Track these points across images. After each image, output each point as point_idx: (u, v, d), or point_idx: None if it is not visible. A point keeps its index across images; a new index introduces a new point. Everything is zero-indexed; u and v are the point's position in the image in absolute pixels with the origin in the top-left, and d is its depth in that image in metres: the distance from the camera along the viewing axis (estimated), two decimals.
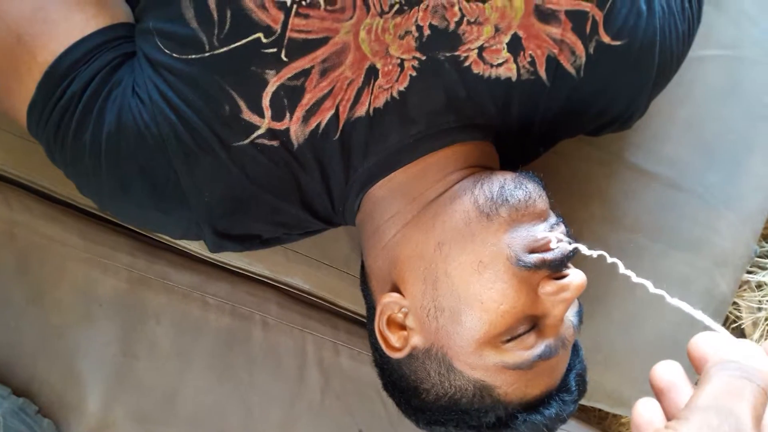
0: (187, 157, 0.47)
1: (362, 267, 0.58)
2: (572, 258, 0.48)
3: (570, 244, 0.48)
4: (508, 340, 0.46)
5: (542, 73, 0.50)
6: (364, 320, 0.70)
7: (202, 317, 0.67)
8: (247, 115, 0.46)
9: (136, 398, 0.66)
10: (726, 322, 0.87)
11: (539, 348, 0.46)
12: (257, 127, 0.47)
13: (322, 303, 0.71)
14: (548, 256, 0.46)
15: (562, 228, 0.48)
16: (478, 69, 0.48)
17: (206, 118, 0.46)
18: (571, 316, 0.50)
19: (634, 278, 0.40)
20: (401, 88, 0.47)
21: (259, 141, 0.47)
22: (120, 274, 0.65)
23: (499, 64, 0.48)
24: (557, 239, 0.46)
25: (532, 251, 0.46)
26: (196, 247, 0.68)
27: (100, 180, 0.49)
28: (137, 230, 0.68)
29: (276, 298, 0.69)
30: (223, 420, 0.67)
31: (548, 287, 0.46)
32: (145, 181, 0.48)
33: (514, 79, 0.49)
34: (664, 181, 0.71)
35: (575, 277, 0.46)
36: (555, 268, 0.46)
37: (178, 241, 0.68)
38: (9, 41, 0.47)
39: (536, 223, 0.47)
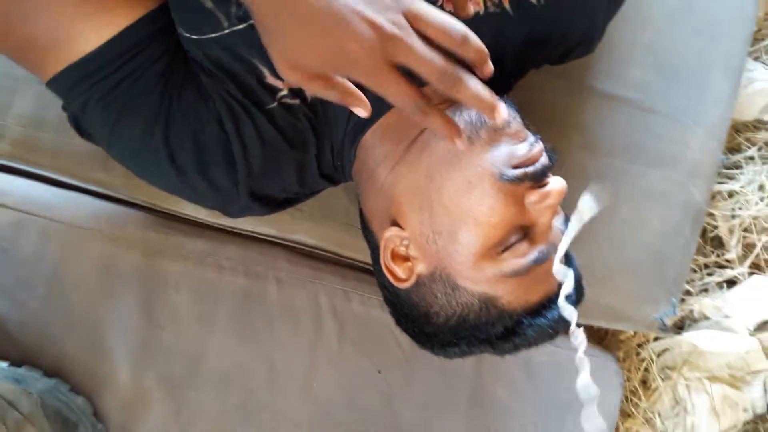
0: (236, 120, 0.52)
1: (360, 215, 0.62)
2: (552, 168, 0.52)
3: (549, 157, 0.52)
4: (503, 251, 0.50)
5: (506, 4, 0.54)
6: (370, 267, 0.74)
7: (218, 280, 0.70)
8: (271, 79, 0.51)
9: (164, 365, 0.69)
10: (704, 234, 0.92)
11: (533, 254, 0.50)
12: (280, 90, 0.52)
13: (328, 255, 0.75)
14: (530, 168, 0.49)
15: (540, 145, 0.52)
16: (449, 6, 0.52)
17: (242, 87, 0.51)
18: (558, 224, 0.54)
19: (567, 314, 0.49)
20: None
21: (285, 101, 0.52)
22: (136, 248, 0.68)
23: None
24: (540, 150, 0.50)
25: (515, 167, 0.49)
26: (205, 215, 0.71)
27: (145, 143, 0.52)
28: (147, 204, 0.71)
29: (285, 256, 0.73)
30: (249, 377, 0.70)
31: (533, 196, 0.50)
32: (195, 142, 0.52)
33: (481, 12, 0.53)
34: (632, 103, 0.76)
35: (555, 183, 0.50)
36: (537, 179, 0.50)
37: (187, 211, 0.71)
38: None
39: (516, 143, 0.51)
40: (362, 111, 0.42)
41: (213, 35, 0.49)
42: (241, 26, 0.49)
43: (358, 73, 0.38)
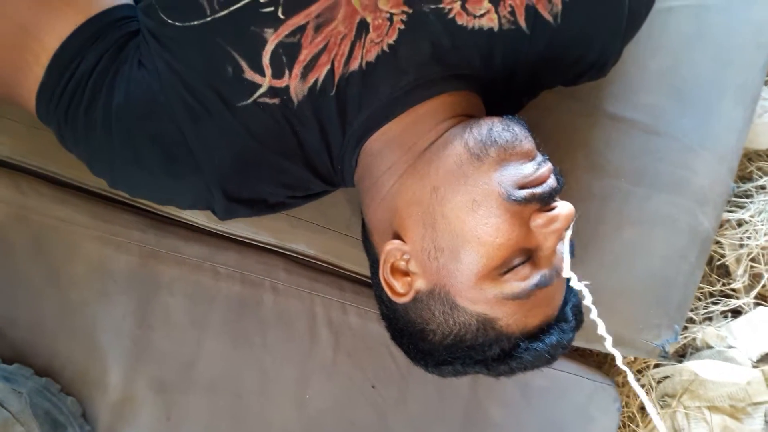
0: (195, 121, 0.50)
1: (363, 225, 0.61)
2: (560, 191, 0.51)
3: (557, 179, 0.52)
4: (505, 272, 0.49)
5: (522, 22, 0.53)
6: (368, 280, 0.73)
7: (213, 286, 0.69)
8: (249, 74, 0.49)
9: (155, 369, 0.68)
10: (711, 262, 0.91)
11: (535, 278, 0.49)
12: (259, 86, 0.50)
13: (327, 267, 0.74)
14: (537, 190, 0.49)
15: (549, 165, 0.51)
16: (461, 20, 0.51)
17: (210, 81, 0.49)
18: (563, 249, 0.53)
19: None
20: (390, 42, 0.51)
21: (262, 100, 0.50)
22: (132, 250, 0.67)
23: (481, 15, 0.51)
24: (549, 169, 0.50)
25: (522, 187, 0.49)
26: (204, 220, 0.71)
27: (111, 153, 0.52)
28: (146, 207, 0.70)
29: (283, 264, 0.72)
30: (240, 384, 0.70)
31: (539, 219, 0.49)
32: (156, 147, 0.51)
33: (495, 29, 0.52)
34: (642, 127, 0.75)
35: (563, 208, 0.49)
36: (544, 201, 0.49)
37: (185, 215, 0.70)
38: (13, 32, 0.50)
39: (524, 162, 0.50)
40: None
41: (196, 22, 0.48)
42: (222, 13, 0.47)
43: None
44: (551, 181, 0.50)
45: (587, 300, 0.49)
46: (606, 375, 0.80)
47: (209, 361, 0.69)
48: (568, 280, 0.57)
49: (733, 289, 0.90)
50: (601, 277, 0.75)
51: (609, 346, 0.47)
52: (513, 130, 0.51)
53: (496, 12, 0.52)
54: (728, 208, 0.89)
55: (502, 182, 0.49)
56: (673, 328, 0.77)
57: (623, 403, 0.85)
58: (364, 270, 0.72)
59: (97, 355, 0.67)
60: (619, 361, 0.47)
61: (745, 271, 0.87)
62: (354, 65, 0.51)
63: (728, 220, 0.89)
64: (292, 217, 0.70)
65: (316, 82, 0.50)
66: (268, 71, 0.49)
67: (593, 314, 0.49)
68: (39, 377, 0.66)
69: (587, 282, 0.49)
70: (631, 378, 0.47)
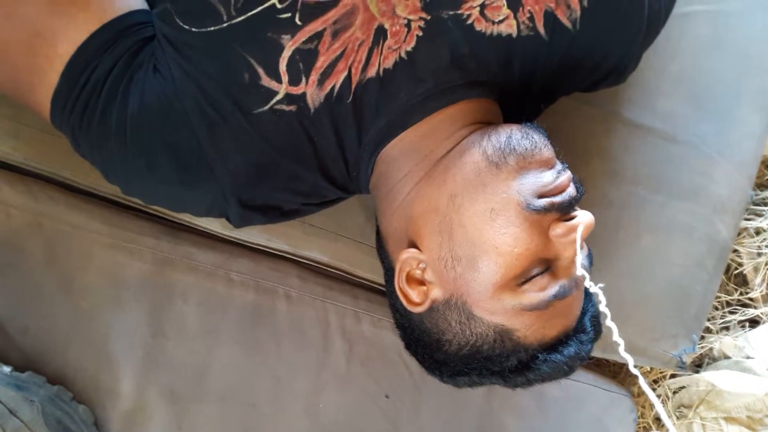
0: (211, 128, 0.50)
1: (377, 232, 0.60)
2: (579, 200, 0.51)
3: (577, 188, 0.51)
4: (524, 283, 0.48)
5: (541, 28, 0.52)
6: (382, 288, 0.73)
7: (227, 294, 0.68)
8: (266, 81, 0.49)
9: (168, 377, 0.67)
10: (728, 270, 0.90)
11: (554, 288, 0.49)
12: (275, 93, 0.49)
13: (340, 274, 0.74)
14: (557, 199, 0.48)
15: (568, 173, 0.51)
16: (480, 26, 0.51)
17: (227, 87, 0.49)
18: (582, 258, 0.52)
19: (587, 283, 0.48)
20: (409, 48, 0.50)
21: (278, 107, 0.50)
22: (145, 257, 0.67)
23: (500, 21, 0.51)
24: (568, 178, 0.49)
25: (541, 196, 0.48)
26: (218, 227, 0.70)
27: (126, 161, 0.51)
28: (160, 214, 0.70)
29: (297, 272, 0.71)
30: (253, 392, 0.69)
31: (558, 229, 0.48)
32: (171, 156, 0.51)
33: (514, 35, 0.52)
34: (660, 134, 0.74)
35: (583, 217, 0.49)
36: (563, 211, 0.49)
37: (199, 222, 0.70)
38: (27, 38, 0.50)
39: (543, 170, 0.49)
40: None
41: (212, 28, 0.47)
42: (239, 18, 0.47)
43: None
44: (571, 190, 0.50)
45: (602, 305, 0.48)
46: (621, 385, 0.79)
47: (222, 370, 0.68)
48: (587, 289, 0.57)
49: (750, 299, 0.88)
50: (618, 286, 0.74)
51: (622, 351, 0.46)
52: (532, 137, 0.50)
53: (515, 18, 0.51)
54: (746, 216, 0.88)
55: (521, 191, 0.48)
56: (690, 338, 0.76)
57: (639, 413, 0.84)
58: (379, 278, 0.71)
59: (109, 364, 0.66)
60: (631, 367, 0.46)
61: (763, 280, 0.86)
62: (371, 72, 0.50)
63: (746, 229, 0.88)
64: (305, 224, 0.70)
65: (332, 89, 0.50)
66: (284, 78, 0.49)
67: (608, 320, 0.48)
68: (51, 385, 0.65)
69: (602, 285, 0.47)
70: (642, 383, 0.46)
